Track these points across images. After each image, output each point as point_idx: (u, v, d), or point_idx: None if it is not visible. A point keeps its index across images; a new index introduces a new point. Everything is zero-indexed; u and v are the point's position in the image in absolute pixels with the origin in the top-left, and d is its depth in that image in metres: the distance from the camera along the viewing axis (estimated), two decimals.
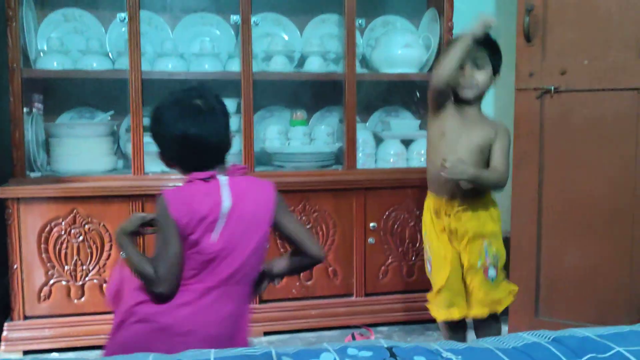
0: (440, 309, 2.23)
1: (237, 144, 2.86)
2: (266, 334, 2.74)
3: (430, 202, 2.24)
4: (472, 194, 2.14)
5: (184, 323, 1.52)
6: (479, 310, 2.19)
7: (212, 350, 1.09)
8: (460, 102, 2.17)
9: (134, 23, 2.64)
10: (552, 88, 2.63)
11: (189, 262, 1.53)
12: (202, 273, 1.53)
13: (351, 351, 1.09)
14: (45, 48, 2.84)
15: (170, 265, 1.51)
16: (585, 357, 1.10)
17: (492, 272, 2.17)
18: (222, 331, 1.56)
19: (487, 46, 2.14)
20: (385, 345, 1.12)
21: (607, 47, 2.57)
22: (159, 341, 1.49)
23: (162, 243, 1.53)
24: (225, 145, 1.63)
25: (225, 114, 1.63)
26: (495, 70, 2.18)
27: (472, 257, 2.16)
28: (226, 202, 1.54)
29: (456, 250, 2.19)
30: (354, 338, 2.63)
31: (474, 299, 2.19)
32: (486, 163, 2.16)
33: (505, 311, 2.70)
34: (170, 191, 1.56)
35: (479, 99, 2.18)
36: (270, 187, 1.65)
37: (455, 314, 2.21)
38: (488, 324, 2.24)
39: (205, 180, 1.56)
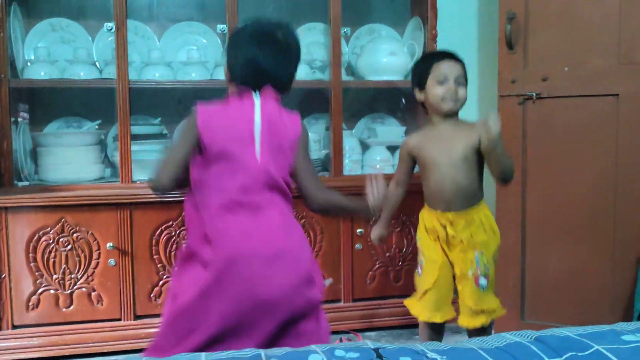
0: (424, 310, 2.27)
1: None
2: None
3: (425, 215, 2.30)
4: (466, 204, 2.19)
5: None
6: (469, 321, 2.22)
7: (203, 354, 1.12)
8: (441, 115, 2.24)
9: (121, 32, 2.65)
10: (534, 94, 2.68)
11: (235, 177, 1.61)
12: (250, 187, 1.61)
13: (339, 352, 1.11)
14: (32, 58, 2.85)
15: (166, 157, 1.63)
16: (566, 356, 1.13)
17: (482, 281, 2.20)
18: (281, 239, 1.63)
19: (462, 63, 2.25)
20: (372, 347, 1.15)
21: (587, 53, 2.62)
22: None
23: (173, 143, 1.67)
24: (288, 82, 1.77)
25: (297, 56, 1.78)
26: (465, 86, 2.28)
27: (464, 266, 2.20)
28: (257, 121, 1.64)
29: (448, 259, 2.25)
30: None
31: (465, 306, 2.23)
32: (477, 167, 2.21)
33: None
34: (203, 105, 1.67)
35: (456, 112, 2.26)
36: (299, 120, 1.76)
37: (437, 318, 2.25)
38: (479, 334, 2.23)
39: (239, 97, 1.68)
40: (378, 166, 3.03)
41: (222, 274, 1.55)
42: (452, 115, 2.23)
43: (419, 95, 2.29)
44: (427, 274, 2.26)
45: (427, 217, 2.28)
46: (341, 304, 2.88)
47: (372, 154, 3.07)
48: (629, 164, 2.57)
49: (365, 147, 3.12)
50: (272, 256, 1.57)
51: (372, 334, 2.86)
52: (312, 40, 3.14)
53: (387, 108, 3.33)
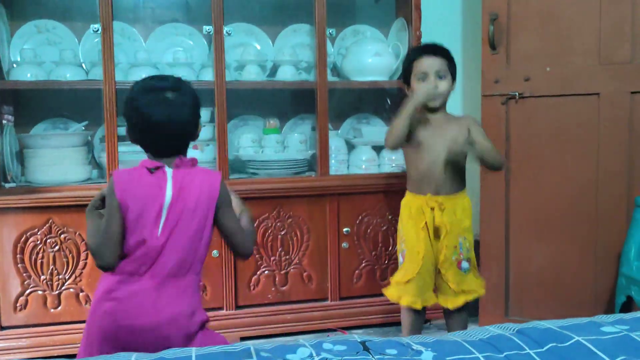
0: (407, 295, 2.31)
1: (211, 152, 2.90)
2: (242, 339, 2.78)
3: (410, 201, 2.34)
4: (454, 188, 2.28)
5: (137, 313, 1.60)
6: (452, 301, 2.31)
7: (194, 349, 1.14)
8: (428, 110, 2.32)
9: (107, 34, 2.66)
10: (517, 94, 2.73)
11: (136, 256, 1.61)
12: (150, 266, 1.62)
13: (326, 346, 1.14)
14: (18, 59, 2.85)
15: (105, 240, 1.62)
16: (547, 347, 1.16)
17: (464, 264, 2.30)
18: (178, 323, 1.62)
19: (444, 57, 2.29)
20: (359, 340, 1.17)
21: (568, 54, 2.67)
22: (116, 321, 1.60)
23: (104, 218, 1.64)
24: (187, 135, 1.72)
25: (194, 106, 1.71)
26: (453, 77, 2.33)
27: (448, 252, 2.27)
28: (168, 195, 1.63)
29: (432, 247, 2.29)
30: None
31: (448, 289, 2.31)
32: (464, 160, 2.30)
33: (476, 311, 2.79)
34: (120, 172, 1.66)
35: (443, 104, 2.33)
36: (216, 178, 1.70)
37: (418, 304, 2.31)
38: (458, 312, 2.36)
39: (150, 171, 1.65)
40: (364, 166, 3.06)
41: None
42: (438, 109, 2.31)
43: (407, 92, 2.34)
44: (410, 264, 2.31)
45: (414, 202, 2.32)
46: (328, 302, 2.91)
47: (357, 154, 3.10)
48: (610, 161, 2.62)
49: (350, 147, 3.15)
50: (140, 329, 1.61)
51: (359, 331, 2.89)
52: (297, 41, 3.17)
53: (372, 108, 3.36)
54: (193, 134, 1.74)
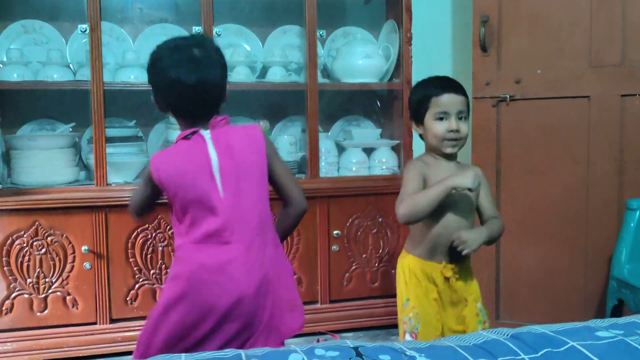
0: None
1: None
2: None
3: (416, 267, 1.99)
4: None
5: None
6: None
7: (183, 355, 1.11)
8: (443, 156, 1.99)
9: (95, 34, 2.63)
10: (508, 96, 2.72)
11: (209, 223, 1.58)
12: (233, 230, 1.58)
13: (318, 352, 1.12)
14: (4, 60, 2.82)
15: (136, 202, 1.74)
16: (542, 352, 1.15)
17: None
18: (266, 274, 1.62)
19: (464, 94, 1.99)
20: (351, 345, 1.15)
21: (559, 56, 2.67)
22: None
23: (139, 187, 1.72)
24: (219, 95, 1.67)
25: (223, 65, 1.67)
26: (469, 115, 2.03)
27: (472, 322, 1.96)
28: (213, 156, 1.59)
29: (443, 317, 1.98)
30: None
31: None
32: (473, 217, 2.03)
33: None
34: (156, 156, 1.64)
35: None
36: (256, 130, 1.69)
37: None
38: None
39: (187, 138, 1.62)
40: (354, 168, 3.05)
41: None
42: (452, 156, 2.00)
43: (416, 129, 2.03)
44: (424, 339, 1.86)
45: (423, 270, 1.97)
46: (318, 305, 2.89)
47: (348, 156, 3.09)
48: (600, 164, 2.62)
49: (341, 149, 3.13)
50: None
51: (349, 334, 2.88)
52: (287, 42, 3.15)
53: (362, 110, 3.35)
54: (223, 94, 1.70)
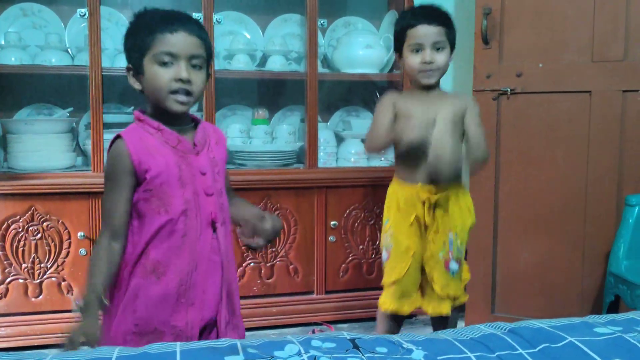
0: (390, 300, 2.11)
1: None
2: None
3: (398, 191, 2.08)
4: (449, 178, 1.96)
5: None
6: (434, 307, 2.09)
7: (178, 343, 1.10)
8: (421, 87, 2.04)
9: (94, 19, 2.61)
10: (509, 90, 2.71)
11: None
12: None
13: (315, 343, 1.11)
14: (2, 43, 2.79)
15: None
16: (540, 347, 1.14)
17: (454, 265, 2.07)
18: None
19: (443, 24, 1.99)
20: (348, 337, 1.15)
21: (561, 50, 2.65)
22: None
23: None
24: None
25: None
26: (452, 47, 2.04)
27: (436, 247, 2.04)
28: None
29: (421, 242, 2.07)
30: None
31: (431, 292, 2.08)
32: (461, 135, 2.04)
33: (462, 308, 2.77)
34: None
35: (439, 80, 2.06)
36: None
37: (405, 308, 2.11)
38: (441, 320, 2.13)
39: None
40: (353, 159, 3.04)
41: None
42: (433, 86, 2.04)
43: (399, 60, 2.09)
44: (397, 263, 2.08)
45: (403, 193, 2.05)
46: (314, 295, 2.88)
47: (346, 146, 3.07)
48: (599, 159, 2.61)
49: (340, 139, 3.12)
50: None
51: (345, 325, 2.87)
52: (288, 31, 3.13)
53: (362, 101, 3.33)
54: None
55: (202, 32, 1.51)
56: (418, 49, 1.97)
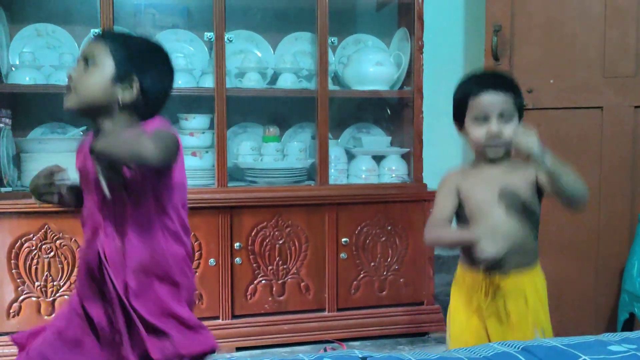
0: None
1: (210, 159, 2.87)
2: (238, 349, 2.73)
3: (460, 276, 1.85)
4: (523, 261, 1.78)
5: None
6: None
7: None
8: (487, 160, 1.78)
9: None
10: None
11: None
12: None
13: None
14: (17, 63, 2.83)
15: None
16: None
17: None
18: None
19: (510, 91, 1.75)
20: (360, 355, 1.14)
21: (572, 66, 2.65)
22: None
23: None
24: None
25: None
26: (520, 114, 1.78)
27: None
28: None
29: (487, 336, 1.76)
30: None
31: None
32: (536, 217, 1.84)
33: None
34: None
35: (508, 153, 1.78)
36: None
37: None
38: None
39: None
40: (364, 176, 3.04)
41: None
42: (500, 159, 1.77)
43: (459, 132, 1.83)
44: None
45: (465, 279, 1.81)
46: (325, 313, 2.87)
47: (357, 163, 3.08)
48: (612, 175, 2.60)
49: (350, 156, 3.12)
50: None
51: (356, 343, 2.86)
52: (299, 49, 3.15)
53: (372, 118, 3.34)
54: None
55: None
56: (483, 119, 1.72)
